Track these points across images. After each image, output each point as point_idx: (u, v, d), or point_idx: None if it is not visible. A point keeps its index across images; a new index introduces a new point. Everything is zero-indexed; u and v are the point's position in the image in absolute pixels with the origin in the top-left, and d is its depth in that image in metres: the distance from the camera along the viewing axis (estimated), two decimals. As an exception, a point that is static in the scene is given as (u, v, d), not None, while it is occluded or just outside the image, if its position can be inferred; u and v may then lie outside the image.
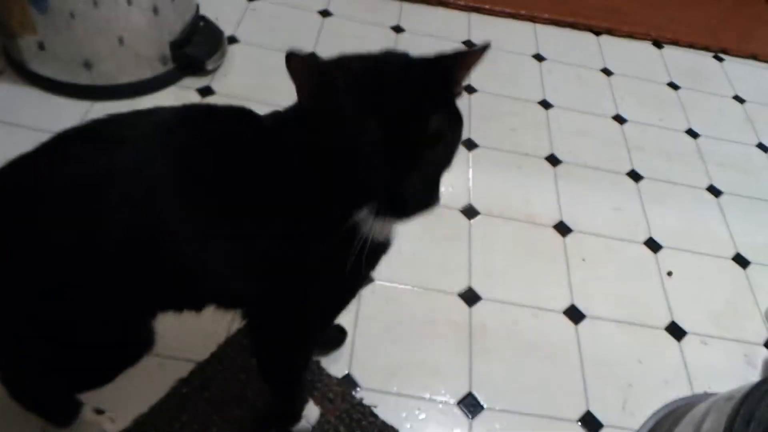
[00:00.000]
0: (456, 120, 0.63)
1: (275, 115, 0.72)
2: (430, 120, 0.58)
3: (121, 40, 1.39)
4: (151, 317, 0.76)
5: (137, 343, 0.76)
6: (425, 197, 0.61)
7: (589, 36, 2.13)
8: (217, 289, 0.74)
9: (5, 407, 0.89)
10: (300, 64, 0.60)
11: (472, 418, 1.09)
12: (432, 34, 1.94)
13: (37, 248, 0.62)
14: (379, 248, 0.71)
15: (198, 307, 0.78)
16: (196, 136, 0.68)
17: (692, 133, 1.85)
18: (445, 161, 0.63)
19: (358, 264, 0.65)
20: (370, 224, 0.62)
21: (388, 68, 0.63)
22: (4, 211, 0.64)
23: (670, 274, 1.43)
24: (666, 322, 1.33)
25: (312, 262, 0.69)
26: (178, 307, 0.76)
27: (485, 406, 1.11)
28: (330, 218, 0.63)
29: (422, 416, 1.07)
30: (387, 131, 0.57)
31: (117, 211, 0.62)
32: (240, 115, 0.72)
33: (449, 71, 0.63)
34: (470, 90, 1.78)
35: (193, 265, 0.67)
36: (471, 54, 0.63)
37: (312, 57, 0.59)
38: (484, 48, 0.63)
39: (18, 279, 0.63)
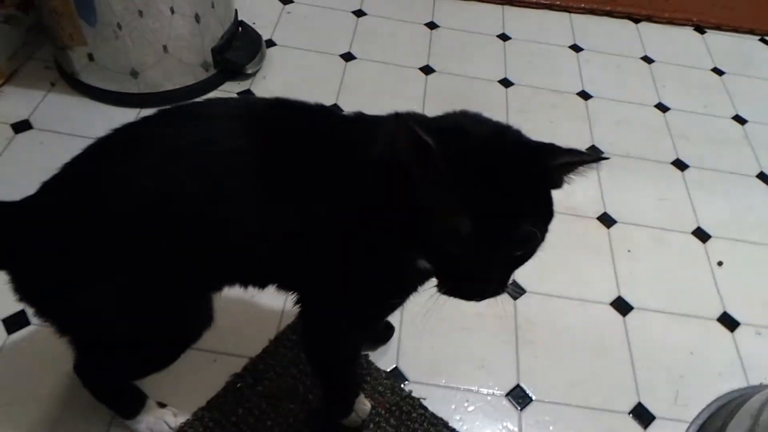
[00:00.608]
0: (547, 219, 0.61)
1: (368, 124, 0.72)
2: (521, 227, 0.56)
3: (165, 48, 1.44)
4: (217, 291, 0.79)
5: (201, 319, 0.80)
6: (493, 289, 0.60)
7: (628, 24, 2.09)
8: (279, 271, 0.77)
9: (79, 397, 0.94)
10: (402, 131, 0.57)
11: (521, 409, 1.09)
12: (466, 30, 1.94)
13: (122, 207, 0.66)
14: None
15: (262, 284, 0.81)
16: (287, 125, 0.71)
17: (739, 119, 1.79)
18: (524, 259, 0.61)
19: (410, 285, 0.68)
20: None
21: (493, 155, 0.58)
22: (100, 162, 0.70)
23: (720, 263, 1.39)
24: (718, 312, 1.30)
25: (367, 271, 0.71)
26: (244, 282, 0.80)
27: (534, 397, 1.11)
28: (392, 250, 0.64)
29: (471, 408, 1.08)
30: (477, 226, 0.55)
31: (198, 179, 0.65)
32: (325, 112, 0.74)
33: (557, 171, 0.59)
34: (507, 83, 1.77)
35: (260, 244, 0.70)
36: (583, 160, 0.58)
37: (412, 126, 0.54)
38: (598, 158, 0.59)
39: (100, 245, 0.67)
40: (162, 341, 0.81)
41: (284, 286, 0.81)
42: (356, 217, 0.67)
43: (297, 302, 0.82)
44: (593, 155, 0.59)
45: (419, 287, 0.74)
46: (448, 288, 0.60)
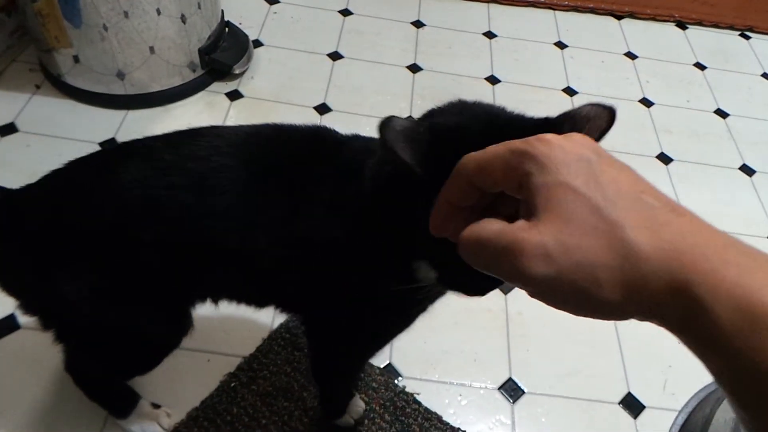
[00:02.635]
0: None
1: (361, 144, 0.69)
2: None
3: (152, 50, 1.43)
4: (203, 303, 0.79)
5: (181, 327, 0.79)
6: (497, 282, 0.54)
7: (611, 20, 2.11)
8: (280, 294, 0.77)
9: (74, 398, 0.94)
10: (394, 137, 0.46)
11: (514, 402, 1.11)
12: (452, 28, 1.95)
13: (109, 215, 0.65)
14: (440, 293, 0.70)
15: (260, 304, 0.81)
16: (280, 148, 0.69)
17: (721, 113, 1.83)
18: None
19: (418, 305, 0.67)
20: (432, 281, 0.59)
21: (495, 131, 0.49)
22: (90, 173, 0.69)
23: (705, 255, 1.42)
24: (703, 303, 1.32)
25: (371, 294, 0.69)
26: (243, 300, 0.79)
27: (526, 390, 1.12)
28: (394, 263, 0.62)
29: (464, 402, 1.09)
30: None
31: (189, 195, 0.65)
32: (320, 133, 0.73)
33: None
34: (493, 81, 1.79)
35: (256, 265, 0.69)
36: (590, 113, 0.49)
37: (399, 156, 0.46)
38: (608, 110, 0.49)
39: (91, 253, 0.67)
40: (141, 347, 0.81)
41: (284, 308, 0.81)
42: (353, 235, 0.65)
43: (302, 322, 0.83)
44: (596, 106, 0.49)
45: (428, 305, 0.72)
46: (451, 283, 0.57)
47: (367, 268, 0.66)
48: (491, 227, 0.32)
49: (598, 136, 0.49)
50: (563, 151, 0.32)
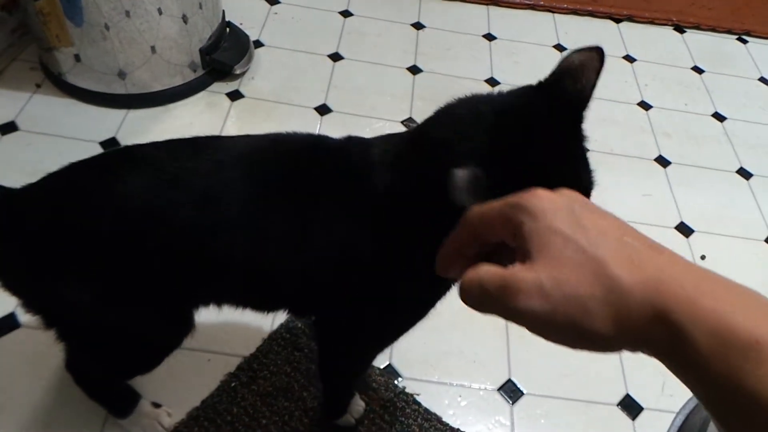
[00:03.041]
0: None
1: (357, 146, 0.69)
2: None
3: (153, 49, 1.43)
4: (206, 306, 0.79)
5: (185, 330, 0.79)
6: None
7: (610, 24, 2.12)
8: (292, 300, 0.77)
9: (74, 397, 0.94)
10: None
11: (513, 403, 1.11)
12: (452, 30, 1.96)
13: (116, 221, 0.65)
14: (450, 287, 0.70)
15: (269, 310, 0.81)
16: (281, 158, 0.69)
17: (719, 117, 1.84)
18: None
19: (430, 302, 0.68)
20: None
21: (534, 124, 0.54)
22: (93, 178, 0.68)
23: (703, 257, 1.43)
24: (701, 305, 1.33)
25: (384, 294, 0.70)
26: (250, 306, 0.79)
27: (525, 391, 1.13)
28: (411, 262, 0.62)
29: (464, 403, 1.10)
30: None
31: (197, 203, 0.65)
32: (317, 141, 0.73)
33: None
34: (493, 83, 1.79)
35: (266, 274, 0.69)
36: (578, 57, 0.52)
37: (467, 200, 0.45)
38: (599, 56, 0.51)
39: (92, 255, 0.67)
40: (142, 347, 0.81)
41: (294, 312, 0.82)
42: (367, 237, 0.65)
43: (315, 324, 0.83)
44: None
45: (437, 301, 0.73)
46: None
47: (385, 268, 0.66)
48: (490, 270, 0.35)
49: (595, 76, 0.53)
50: (552, 202, 0.36)
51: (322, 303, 0.76)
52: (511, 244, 0.37)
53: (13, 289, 0.73)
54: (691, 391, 0.31)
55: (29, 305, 0.75)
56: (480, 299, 0.36)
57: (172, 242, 0.66)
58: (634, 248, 0.33)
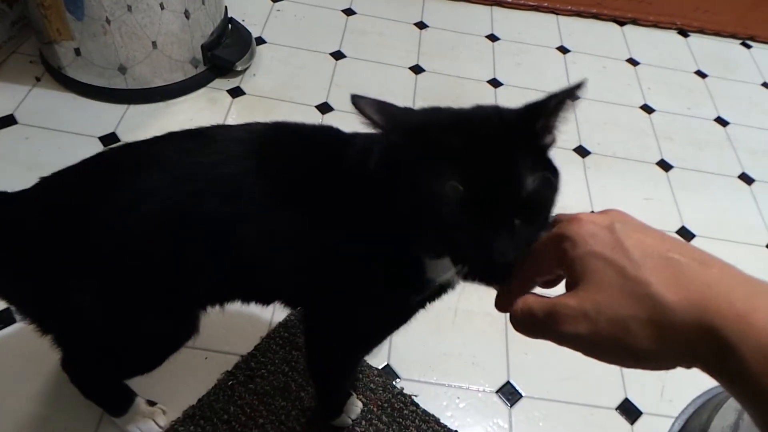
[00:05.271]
0: (553, 175, 0.54)
1: (362, 142, 0.69)
2: (525, 182, 0.49)
3: (154, 44, 1.43)
4: (212, 306, 0.78)
5: (188, 330, 0.79)
6: (511, 251, 0.51)
7: (614, 26, 2.12)
8: (285, 290, 0.77)
9: (69, 395, 0.93)
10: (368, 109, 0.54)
11: (511, 406, 1.10)
12: (455, 30, 1.95)
13: (124, 223, 0.64)
14: (444, 288, 0.70)
15: (267, 302, 0.80)
16: (286, 145, 0.70)
17: (722, 122, 1.83)
18: (542, 223, 0.52)
19: (420, 303, 0.69)
20: (442, 272, 0.60)
21: (472, 123, 0.55)
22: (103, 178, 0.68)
23: (704, 262, 1.42)
24: (702, 310, 1.33)
25: (375, 289, 0.70)
26: (249, 299, 0.79)
27: (523, 394, 1.12)
28: (400, 257, 0.62)
29: (462, 405, 1.09)
30: (472, 193, 0.48)
31: (205, 200, 0.64)
32: (328, 132, 0.73)
33: (536, 119, 0.55)
34: (496, 84, 1.79)
35: (265, 263, 0.69)
36: (556, 97, 0.54)
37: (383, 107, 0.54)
38: (575, 88, 0.54)
39: (97, 261, 0.66)
40: (145, 350, 0.80)
41: (289, 303, 0.81)
42: (357, 232, 0.65)
43: (303, 317, 0.83)
44: (566, 89, 0.54)
45: (428, 303, 0.73)
46: (467, 269, 0.55)
47: (379, 266, 0.66)
48: (539, 299, 0.39)
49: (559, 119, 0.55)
50: (593, 224, 0.38)
51: (318, 293, 0.75)
52: (563, 274, 0.39)
53: (10, 297, 0.73)
54: (744, 408, 0.31)
55: (27, 312, 0.74)
56: (531, 327, 0.39)
57: (187, 240, 0.65)
58: (680, 264, 0.34)
